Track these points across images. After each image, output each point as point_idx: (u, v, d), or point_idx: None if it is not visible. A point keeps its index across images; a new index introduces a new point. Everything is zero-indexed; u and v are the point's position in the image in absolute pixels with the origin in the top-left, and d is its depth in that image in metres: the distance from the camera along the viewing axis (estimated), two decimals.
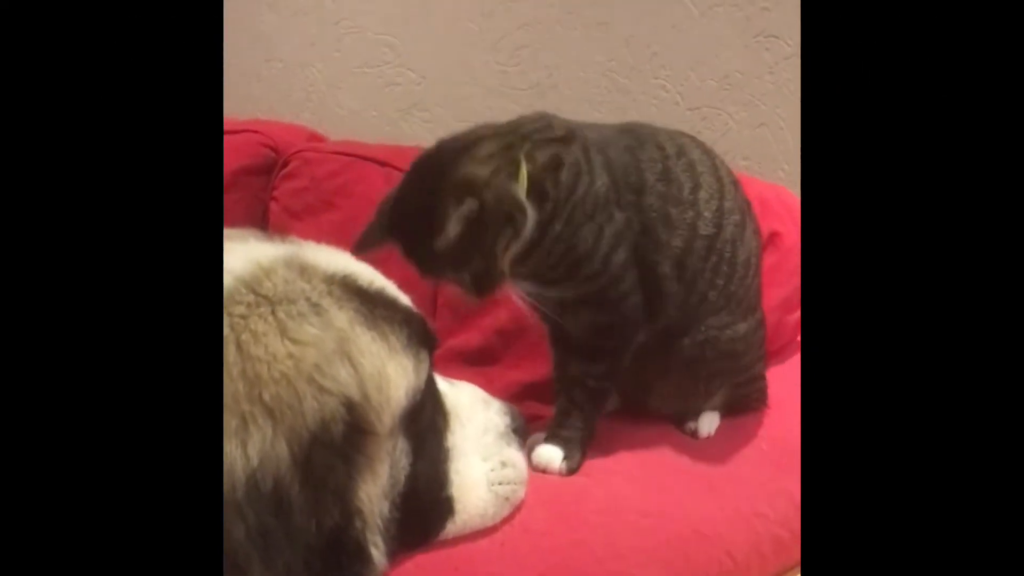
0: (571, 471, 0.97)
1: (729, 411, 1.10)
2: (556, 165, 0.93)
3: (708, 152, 1.04)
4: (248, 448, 0.62)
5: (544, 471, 0.97)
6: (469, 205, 0.88)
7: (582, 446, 0.99)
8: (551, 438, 0.99)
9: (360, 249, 0.90)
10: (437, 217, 0.88)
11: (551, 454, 0.97)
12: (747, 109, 1.60)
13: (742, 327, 1.03)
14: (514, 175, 0.91)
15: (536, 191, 0.92)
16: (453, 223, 0.88)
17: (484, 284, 0.93)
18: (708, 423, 1.07)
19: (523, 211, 0.91)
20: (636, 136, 1.01)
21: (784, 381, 1.12)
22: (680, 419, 1.08)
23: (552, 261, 0.94)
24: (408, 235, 0.93)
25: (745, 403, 1.11)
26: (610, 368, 1.00)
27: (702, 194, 0.98)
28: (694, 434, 1.06)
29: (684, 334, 1.01)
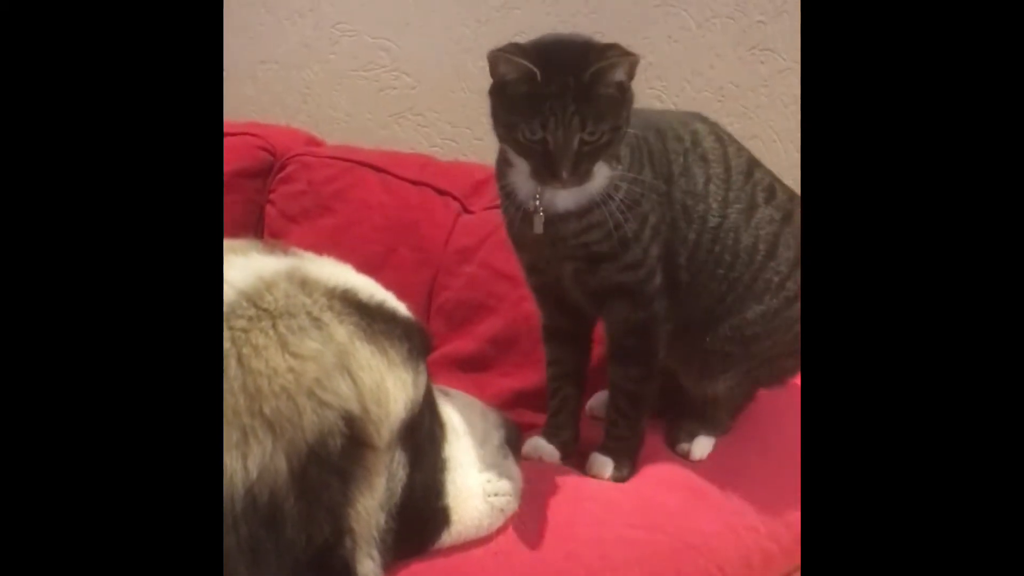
0: (621, 479, 1.01)
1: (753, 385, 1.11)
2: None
3: (721, 138, 1.04)
4: (248, 461, 0.63)
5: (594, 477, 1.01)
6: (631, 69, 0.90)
7: (632, 454, 1.02)
8: (603, 448, 1.02)
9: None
10: (603, 60, 0.89)
11: (602, 463, 1.01)
12: (741, 121, 1.61)
13: (757, 309, 1.02)
14: None
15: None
16: (619, 71, 0.89)
17: (558, 155, 0.89)
18: (701, 447, 1.06)
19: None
20: (657, 125, 1.02)
21: (777, 396, 1.12)
22: (673, 440, 1.08)
23: (605, 230, 0.94)
24: (563, 61, 0.93)
25: (775, 377, 1.11)
26: (646, 371, 1.01)
27: (712, 187, 1.00)
28: (687, 456, 1.06)
29: (703, 330, 1.03)
